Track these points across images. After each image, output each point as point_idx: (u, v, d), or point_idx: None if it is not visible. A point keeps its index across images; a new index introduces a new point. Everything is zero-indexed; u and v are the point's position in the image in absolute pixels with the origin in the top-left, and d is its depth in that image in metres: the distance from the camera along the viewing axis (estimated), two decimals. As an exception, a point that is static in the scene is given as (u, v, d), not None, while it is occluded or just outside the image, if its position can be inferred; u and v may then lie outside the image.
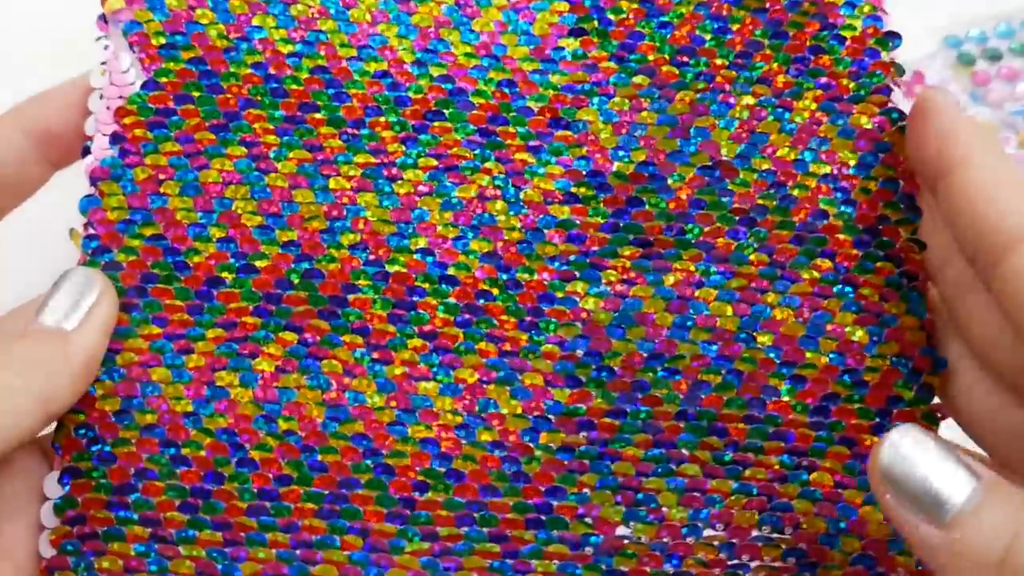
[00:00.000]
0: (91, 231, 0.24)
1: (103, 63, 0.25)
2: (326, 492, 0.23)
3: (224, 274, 0.24)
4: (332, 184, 0.24)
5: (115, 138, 0.24)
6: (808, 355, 0.24)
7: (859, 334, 0.24)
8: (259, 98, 0.25)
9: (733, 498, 0.23)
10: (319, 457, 0.23)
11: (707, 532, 0.23)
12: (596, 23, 0.25)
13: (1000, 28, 0.41)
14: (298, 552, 0.22)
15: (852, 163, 0.25)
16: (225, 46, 0.25)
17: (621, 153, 0.25)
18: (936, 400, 0.24)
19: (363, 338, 0.23)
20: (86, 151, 0.24)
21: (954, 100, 0.23)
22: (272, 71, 0.25)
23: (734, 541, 0.22)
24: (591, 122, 0.25)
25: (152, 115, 0.24)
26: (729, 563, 0.22)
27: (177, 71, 0.25)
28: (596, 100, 0.25)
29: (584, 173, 0.25)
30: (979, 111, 0.39)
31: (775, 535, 0.23)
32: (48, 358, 0.21)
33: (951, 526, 0.18)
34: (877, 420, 0.23)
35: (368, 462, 0.23)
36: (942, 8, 0.41)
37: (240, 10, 0.25)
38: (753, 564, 0.22)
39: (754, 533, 0.23)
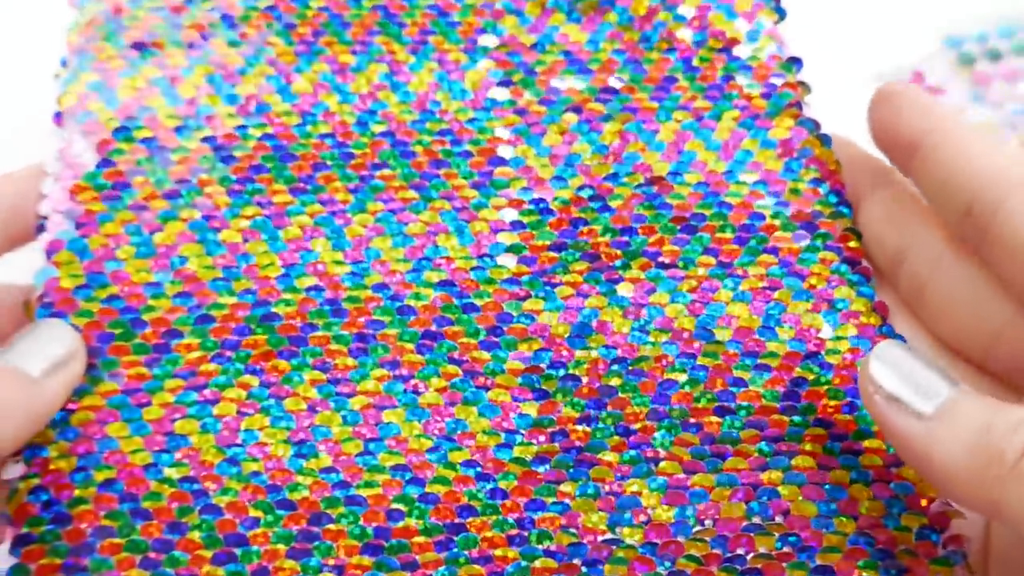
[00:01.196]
0: (46, 300, 0.24)
1: (59, 150, 0.26)
2: (296, 531, 0.21)
3: (181, 327, 0.24)
4: (284, 235, 0.25)
5: (70, 213, 0.25)
6: (769, 345, 0.24)
7: (815, 320, 0.24)
8: (209, 166, 0.26)
9: (718, 491, 0.22)
10: (287, 495, 0.22)
11: (696, 528, 0.22)
12: (522, 74, 0.28)
13: (1001, 28, 0.40)
14: (269, 595, 0.21)
15: (779, 169, 0.26)
16: (176, 124, 0.26)
17: (559, 182, 0.26)
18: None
19: (325, 374, 0.23)
20: (41, 229, 0.25)
21: (915, 86, 0.25)
22: (221, 141, 0.26)
23: (726, 534, 0.22)
24: (527, 158, 0.26)
25: (107, 189, 0.25)
26: (725, 557, 0.21)
27: (129, 149, 0.26)
28: (530, 138, 0.27)
29: (527, 201, 0.26)
30: (979, 111, 0.39)
31: (766, 523, 0.22)
32: (7, 397, 0.21)
33: (932, 418, 0.19)
34: (849, 399, 0.23)
35: (338, 494, 0.22)
36: (942, 8, 0.41)
37: (187, 93, 0.27)
38: (749, 555, 0.21)
39: (744, 524, 0.22)
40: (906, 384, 0.20)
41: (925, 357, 0.21)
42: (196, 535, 0.21)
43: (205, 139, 0.26)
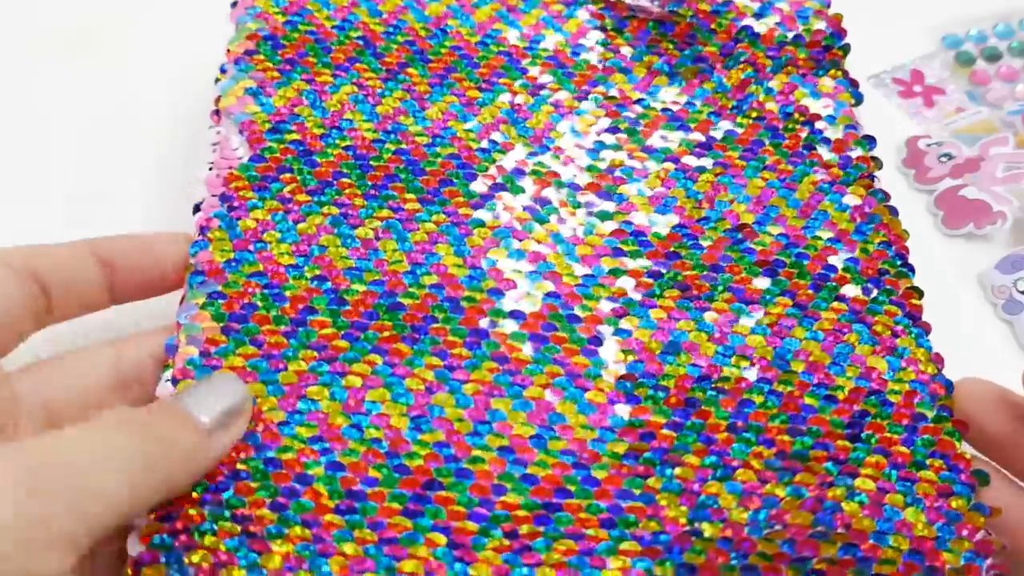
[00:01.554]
0: (197, 268, 0.27)
1: (214, 144, 0.29)
2: (410, 493, 0.24)
3: (317, 305, 0.26)
4: (412, 238, 0.28)
5: (224, 197, 0.28)
6: (838, 380, 0.27)
7: (879, 363, 0.27)
8: (348, 171, 0.29)
9: (787, 500, 0.25)
10: (403, 461, 0.24)
11: (767, 530, 0.24)
12: (627, 124, 0.31)
13: (999, 28, 0.41)
14: (384, 549, 0.23)
15: (851, 230, 0.29)
16: (321, 133, 0.30)
17: (657, 219, 0.29)
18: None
19: (443, 360, 0.26)
20: (196, 209, 0.28)
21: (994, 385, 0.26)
22: (360, 151, 0.29)
23: (795, 538, 0.24)
24: (629, 196, 0.30)
25: (257, 181, 0.28)
26: (792, 558, 0.24)
27: (280, 149, 0.29)
28: (633, 181, 0.30)
29: (628, 232, 0.29)
30: (978, 111, 0.39)
31: (831, 532, 0.24)
32: (187, 447, 0.22)
33: None
34: (906, 435, 0.26)
35: (450, 466, 0.24)
36: (941, 8, 0.42)
37: (334, 107, 0.30)
38: (814, 559, 0.24)
39: (810, 532, 0.24)
40: None
41: None
42: (321, 487, 0.24)
43: (347, 148, 0.29)
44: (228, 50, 0.31)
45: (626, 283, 0.28)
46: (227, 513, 0.23)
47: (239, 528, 0.23)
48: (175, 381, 0.25)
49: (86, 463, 0.19)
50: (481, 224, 0.28)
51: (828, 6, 0.34)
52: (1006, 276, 0.34)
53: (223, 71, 0.31)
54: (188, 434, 0.22)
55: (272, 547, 0.23)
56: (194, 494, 0.23)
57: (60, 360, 0.25)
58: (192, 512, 0.23)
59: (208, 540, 0.23)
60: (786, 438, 0.25)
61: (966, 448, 0.26)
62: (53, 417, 0.24)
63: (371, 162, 0.29)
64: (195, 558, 0.22)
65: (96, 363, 0.25)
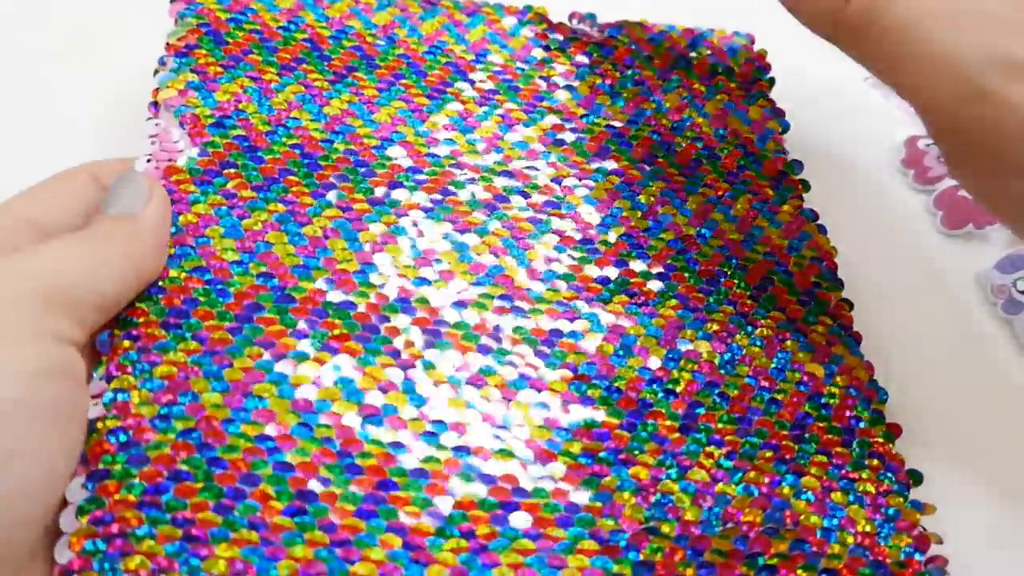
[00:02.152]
0: (136, 262, 0.25)
1: (152, 136, 0.28)
2: (363, 493, 0.23)
3: (263, 302, 0.25)
4: (362, 238, 0.27)
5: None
6: (780, 384, 0.27)
7: (817, 369, 0.28)
8: (296, 169, 0.28)
9: (739, 498, 0.25)
10: (356, 461, 0.23)
11: (720, 528, 0.24)
12: (574, 137, 0.32)
13: None
14: (337, 551, 0.22)
15: (784, 246, 0.31)
16: (267, 130, 0.29)
17: (604, 228, 0.30)
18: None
19: (395, 360, 0.25)
20: (133, 201, 0.26)
21: None
22: (308, 150, 0.29)
23: (748, 535, 0.24)
24: (577, 206, 0.30)
25: (199, 175, 0.27)
26: (745, 554, 0.24)
27: (224, 144, 0.28)
28: (579, 191, 0.30)
29: (576, 240, 0.29)
30: None
31: (782, 529, 0.25)
32: (123, 230, 0.24)
33: None
34: (844, 436, 0.27)
35: (404, 466, 0.23)
36: None
37: (280, 106, 0.29)
38: (766, 557, 0.24)
39: (761, 528, 0.25)
40: None
41: None
42: (269, 488, 0.22)
43: (293, 146, 0.29)
44: (168, 44, 0.30)
45: (577, 288, 0.28)
46: (167, 516, 0.22)
47: (180, 532, 0.21)
48: (109, 378, 0.23)
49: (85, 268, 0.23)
50: (433, 226, 0.28)
51: (753, 43, 0.36)
52: (1005, 276, 0.33)
53: (162, 63, 0.30)
54: (125, 227, 0.24)
55: (216, 551, 0.21)
56: (131, 496, 0.22)
57: (44, 184, 0.26)
58: (128, 515, 0.21)
59: (146, 545, 0.21)
60: (735, 439, 0.26)
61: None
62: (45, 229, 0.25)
63: (319, 161, 0.29)
64: (132, 564, 0.21)
65: (76, 186, 0.26)
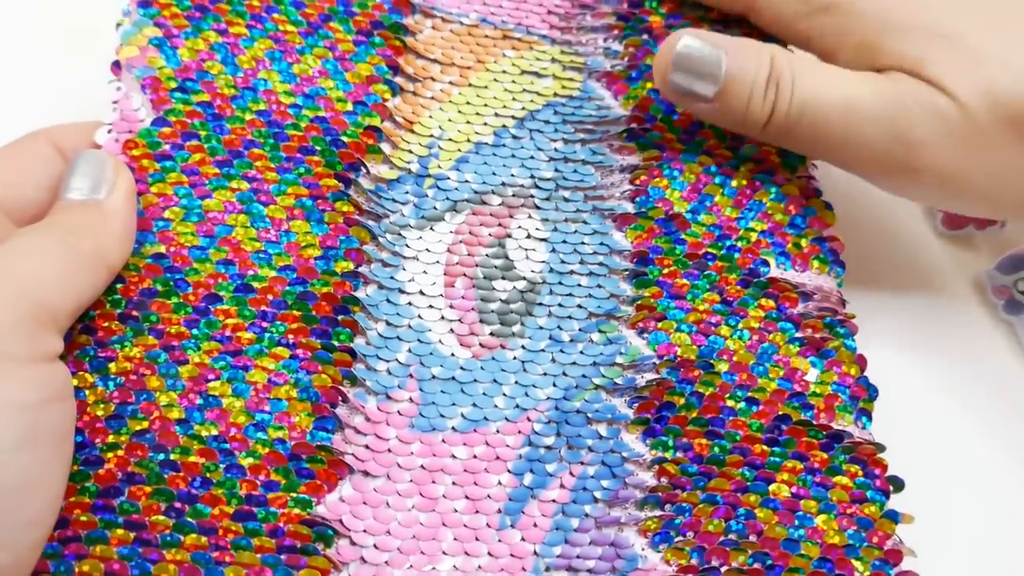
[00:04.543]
0: (93, 248, 0.25)
1: (114, 102, 0.27)
2: (313, 499, 0.23)
3: (222, 292, 0.25)
4: (327, 218, 0.26)
5: (122, 167, 0.26)
6: (760, 381, 0.26)
7: (803, 364, 0.27)
8: (261, 141, 0.27)
9: (701, 507, 0.25)
10: (306, 465, 0.23)
11: (677, 539, 0.24)
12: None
13: None
14: (283, 557, 0.23)
15: (785, 223, 0.28)
16: (232, 94, 0.27)
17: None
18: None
19: (352, 357, 0.25)
20: (92, 178, 0.26)
21: None
22: (275, 118, 0.27)
23: (704, 546, 0.24)
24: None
25: (159, 149, 0.26)
26: (701, 568, 0.24)
27: (186, 112, 0.27)
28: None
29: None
30: None
31: (741, 541, 0.24)
32: (91, 222, 0.23)
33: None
34: (825, 439, 0.26)
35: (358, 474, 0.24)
36: None
37: (248, 65, 0.28)
38: (723, 568, 0.24)
39: (721, 539, 0.24)
40: (697, 67, 0.27)
41: (710, 43, 0.27)
42: (220, 492, 0.23)
43: (260, 112, 0.27)
44: (132, -10, 0.28)
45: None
46: (120, 519, 0.22)
47: (132, 535, 0.22)
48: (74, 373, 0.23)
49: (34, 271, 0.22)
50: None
51: None
52: (1006, 276, 0.33)
53: (126, 15, 0.28)
54: (89, 215, 0.24)
55: (166, 555, 0.22)
56: (86, 499, 0.22)
57: (3, 155, 0.25)
58: (84, 518, 0.22)
59: (99, 549, 0.22)
60: (704, 442, 0.25)
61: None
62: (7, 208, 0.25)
63: (286, 130, 0.27)
64: (85, 567, 0.22)
65: (35, 156, 0.25)
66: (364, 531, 0.23)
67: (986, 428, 0.30)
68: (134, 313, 0.24)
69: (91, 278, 0.23)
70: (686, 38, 0.27)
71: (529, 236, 0.27)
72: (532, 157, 0.28)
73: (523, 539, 0.24)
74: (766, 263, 0.28)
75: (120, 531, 0.22)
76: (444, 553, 0.23)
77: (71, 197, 0.24)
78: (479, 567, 0.23)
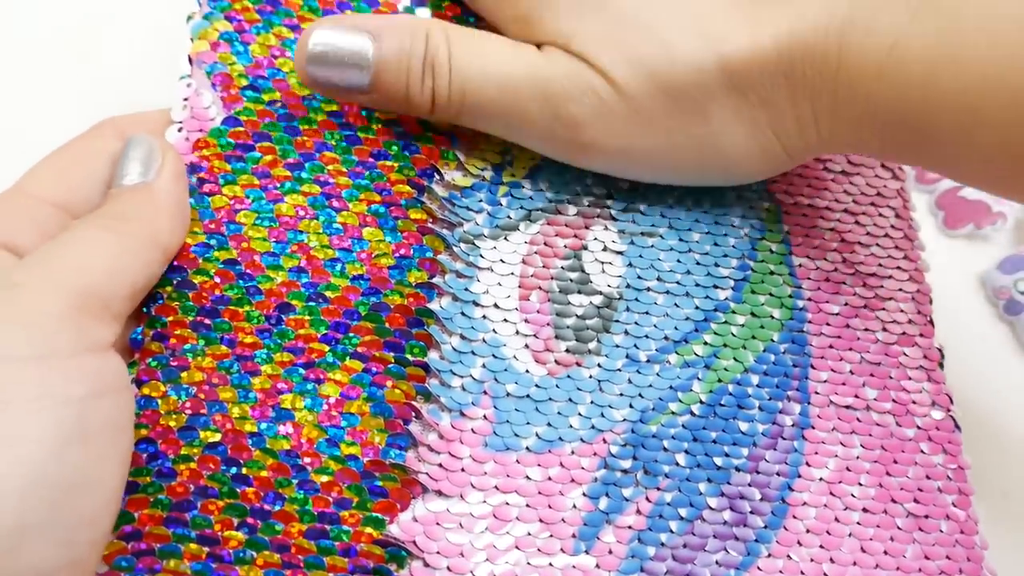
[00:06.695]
0: (164, 251, 0.24)
1: (184, 99, 0.26)
2: (386, 517, 0.23)
3: (294, 301, 0.24)
4: (400, 226, 0.26)
5: (192, 168, 0.25)
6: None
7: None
8: (334, 144, 0.26)
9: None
10: (379, 483, 0.23)
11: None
12: None
13: None
14: (357, 577, 0.22)
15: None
16: (304, 94, 0.26)
17: None
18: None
19: (426, 372, 0.24)
20: (164, 177, 0.25)
21: None
22: (348, 120, 0.26)
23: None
24: None
25: (231, 149, 0.25)
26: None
27: (257, 111, 0.26)
28: None
29: None
30: None
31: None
32: (140, 205, 0.23)
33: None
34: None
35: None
36: None
37: (320, 62, 0.27)
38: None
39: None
40: (341, 57, 0.24)
41: (352, 27, 0.25)
42: (292, 508, 0.22)
43: (332, 114, 0.26)
44: (203, -19, 0.27)
45: None
46: (193, 534, 0.22)
47: (205, 551, 0.22)
48: (139, 382, 0.23)
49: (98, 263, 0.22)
50: None
51: None
52: (1007, 276, 0.33)
53: (198, 4, 0.27)
54: (139, 198, 0.23)
55: (239, 572, 0.22)
56: (159, 511, 0.22)
57: (67, 154, 0.25)
58: (157, 531, 0.22)
59: (172, 563, 0.22)
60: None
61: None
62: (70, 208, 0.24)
63: (359, 134, 0.26)
64: (159, 582, 0.22)
65: (99, 152, 0.25)
66: (438, 552, 0.23)
67: (985, 428, 0.29)
68: (206, 321, 0.24)
69: (143, 260, 0.23)
70: (318, 33, 0.24)
71: (605, 248, 0.27)
72: None
73: (598, 566, 0.23)
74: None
75: (193, 545, 0.22)
76: None
77: (122, 183, 0.24)
78: None
